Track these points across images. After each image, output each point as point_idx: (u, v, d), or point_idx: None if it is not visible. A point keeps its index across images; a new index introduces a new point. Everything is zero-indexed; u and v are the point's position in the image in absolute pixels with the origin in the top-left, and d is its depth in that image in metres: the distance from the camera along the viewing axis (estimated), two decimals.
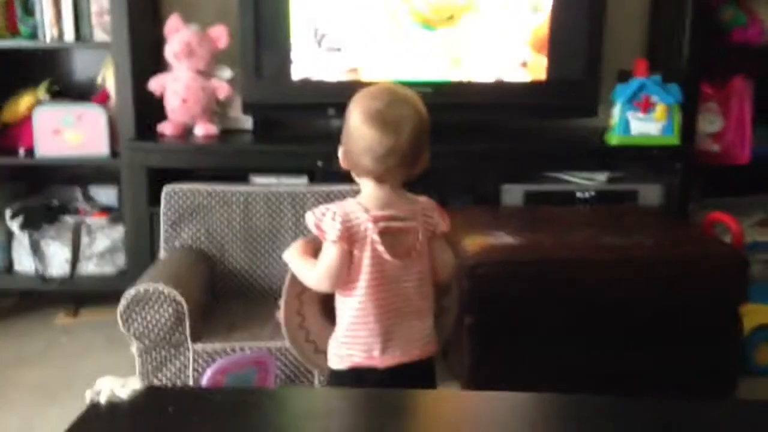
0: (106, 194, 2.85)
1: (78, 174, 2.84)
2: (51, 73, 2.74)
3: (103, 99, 2.63)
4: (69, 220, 2.67)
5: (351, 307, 1.42)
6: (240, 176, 2.43)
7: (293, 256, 1.48)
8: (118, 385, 1.06)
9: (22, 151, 2.59)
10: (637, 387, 1.95)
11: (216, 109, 2.62)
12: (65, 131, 2.55)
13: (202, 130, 2.55)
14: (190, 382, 1.84)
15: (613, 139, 2.49)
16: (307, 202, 2.14)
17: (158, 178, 2.35)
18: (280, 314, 1.52)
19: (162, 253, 2.15)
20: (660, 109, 2.43)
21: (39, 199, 2.76)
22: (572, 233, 2.10)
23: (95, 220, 2.67)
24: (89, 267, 2.63)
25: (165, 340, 1.83)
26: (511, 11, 2.52)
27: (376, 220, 1.39)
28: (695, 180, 2.60)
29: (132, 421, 1.05)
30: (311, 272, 1.43)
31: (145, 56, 2.56)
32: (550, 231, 2.10)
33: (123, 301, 1.80)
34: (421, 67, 2.53)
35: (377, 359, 1.42)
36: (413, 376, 1.44)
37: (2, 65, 2.67)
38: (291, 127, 2.80)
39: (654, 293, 1.95)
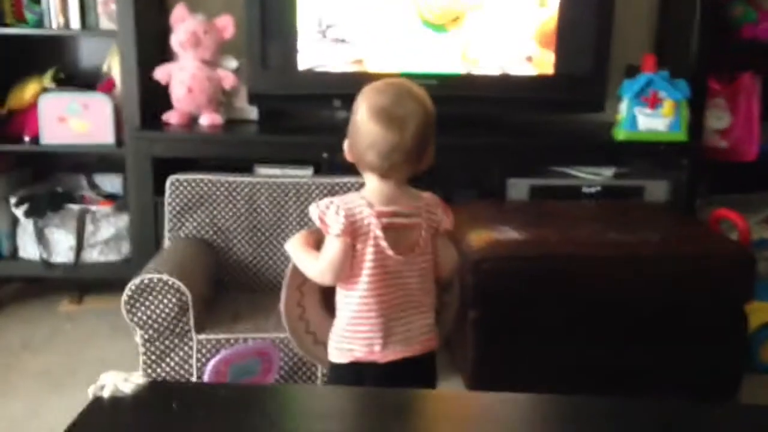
0: (111, 182, 2.85)
1: (83, 162, 2.84)
2: (57, 61, 2.74)
3: (108, 87, 2.63)
4: (74, 207, 2.67)
5: (353, 301, 1.42)
6: (245, 167, 2.43)
7: (295, 248, 1.48)
8: (121, 380, 1.06)
9: (27, 139, 2.59)
10: (641, 384, 1.95)
11: (221, 99, 2.61)
12: (71, 119, 2.55)
13: (207, 119, 2.55)
14: (194, 372, 1.85)
15: (620, 134, 2.48)
16: (311, 194, 2.14)
17: (163, 167, 2.35)
18: (281, 305, 1.52)
19: (166, 243, 2.15)
20: (667, 105, 2.42)
21: (44, 186, 2.76)
22: (578, 229, 2.09)
23: (100, 209, 2.67)
24: (94, 255, 2.64)
25: (169, 330, 1.83)
26: (517, 6, 2.50)
27: (379, 216, 1.39)
28: (702, 176, 2.59)
29: (135, 415, 1.06)
30: (313, 264, 1.43)
31: (151, 45, 2.56)
32: (556, 226, 2.10)
33: (127, 291, 1.80)
34: (426, 60, 2.52)
35: (378, 354, 1.42)
36: (414, 371, 1.44)
37: (8, 52, 2.67)
38: (296, 118, 2.80)
39: (659, 290, 1.94)
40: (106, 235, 2.64)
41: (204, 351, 1.85)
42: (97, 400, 1.06)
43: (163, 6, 2.67)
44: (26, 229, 2.64)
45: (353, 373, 1.43)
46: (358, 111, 1.39)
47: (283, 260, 2.07)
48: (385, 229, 1.39)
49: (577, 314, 1.93)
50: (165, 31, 2.55)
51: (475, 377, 1.93)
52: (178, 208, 2.13)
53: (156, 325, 1.82)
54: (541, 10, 2.51)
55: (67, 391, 2.12)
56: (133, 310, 1.81)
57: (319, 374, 1.87)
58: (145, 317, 1.81)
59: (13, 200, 2.65)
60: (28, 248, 2.65)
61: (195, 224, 2.14)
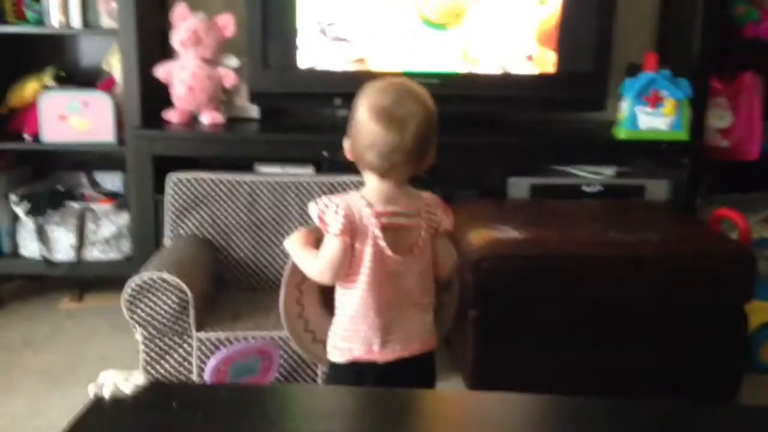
0: (111, 180, 2.85)
1: (84, 160, 2.85)
2: (57, 59, 2.74)
3: (108, 86, 2.63)
4: (74, 205, 2.68)
5: (352, 300, 1.42)
6: (245, 165, 2.43)
7: (294, 246, 1.48)
8: (122, 380, 1.06)
9: (28, 137, 2.59)
10: (641, 383, 1.95)
11: (222, 98, 2.61)
12: (71, 117, 2.55)
13: (208, 118, 2.54)
14: (194, 370, 1.85)
15: (621, 133, 2.47)
16: (312, 193, 2.14)
17: (164, 165, 2.35)
18: (279, 303, 1.52)
19: (167, 241, 2.15)
20: (669, 104, 2.41)
21: (45, 184, 2.76)
22: (578, 228, 2.09)
23: (101, 207, 2.68)
24: (94, 253, 2.64)
25: (169, 328, 1.83)
26: (517, 4, 2.50)
27: (378, 216, 1.39)
28: (703, 176, 2.59)
29: (135, 416, 1.06)
30: (312, 263, 1.43)
31: (152, 44, 2.56)
32: (556, 225, 2.10)
33: (128, 290, 1.80)
34: (428, 58, 2.52)
35: (377, 353, 1.42)
36: (413, 370, 1.44)
37: (9, 51, 2.67)
38: (297, 117, 2.80)
39: (659, 290, 1.94)
40: (107, 233, 2.64)
41: (204, 349, 1.85)
42: (97, 401, 1.06)
43: (163, 4, 2.67)
44: (27, 227, 2.64)
45: (352, 373, 1.43)
46: (358, 110, 1.39)
47: (283, 259, 2.07)
48: (384, 228, 1.39)
49: (577, 314, 1.93)
50: (166, 29, 2.55)
51: (476, 376, 1.93)
52: (178, 207, 2.13)
53: (156, 324, 1.82)
54: (541, 7, 2.50)
55: (68, 389, 2.12)
56: (134, 308, 1.81)
57: (319, 373, 1.87)
58: (145, 315, 1.81)
59: (13, 198, 2.65)
60: (29, 246, 2.65)
61: (195, 223, 2.14)
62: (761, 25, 2.59)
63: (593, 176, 2.50)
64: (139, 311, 1.81)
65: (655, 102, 2.42)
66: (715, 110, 2.62)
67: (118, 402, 1.05)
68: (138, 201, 2.47)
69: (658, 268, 1.94)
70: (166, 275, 1.80)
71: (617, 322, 1.96)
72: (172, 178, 2.13)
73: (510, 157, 2.49)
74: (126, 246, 2.65)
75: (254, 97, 2.57)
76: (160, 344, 1.85)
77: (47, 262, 2.63)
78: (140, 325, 1.82)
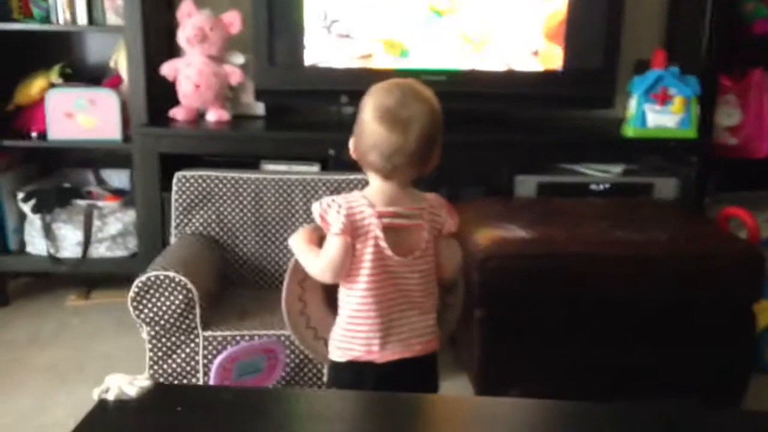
0: (118, 177, 2.86)
1: (90, 157, 2.85)
2: (64, 56, 2.74)
3: (115, 83, 2.63)
4: (81, 203, 2.68)
5: (353, 300, 1.42)
6: (251, 163, 2.43)
7: (298, 243, 1.48)
8: (126, 382, 1.06)
9: (34, 134, 2.59)
10: (647, 383, 1.94)
11: (228, 95, 2.61)
12: (78, 114, 2.55)
13: (214, 115, 2.54)
14: (200, 369, 1.85)
15: (630, 131, 2.46)
16: (318, 190, 2.14)
17: (170, 163, 2.35)
18: (282, 299, 1.52)
19: (173, 239, 2.15)
20: (677, 102, 2.40)
21: (51, 182, 2.77)
22: (585, 226, 2.08)
23: (107, 204, 2.68)
24: (101, 250, 2.65)
25: (175, 326, 1.83)
26: None
27: (380, 216, 1.39)
28: (712, 173, 2.57)
29: (140, 418, 1.06)
30: (314, 261, 1.43)
31: (158, 41, 2.55)
32: (563, 224, 2.08)
33: (134, 288, 1.80)
34: (434, 55, 2.50)
35: (376, 354, 1.42)
36: (414, 372, 1.44)
37: (15, 48, 2.67)
38: (303, 114, 2.79)
39: (667, 289, 1.93)
40: (113, 230, 2.65)
41: (210, 348, 1.85)
42: (102, 403, 1.06)
43: (170, 2, 2.66)
44: (34, 224, 2.65)
45: (351, 372, 1.43)
46: (364, 110, 1.39)
47: (289, 257, 2.06)
48: (386, 229, 1.39)
49: (583, 313, 1.92)
50: (172, 26, 2.55)
51: (482, 376, 1.93)
52: (184, 205, 2.13)
53: (162, 322, 1.82)
54: (548, 3, 2.49)
55: (74, 386, 2.13)
56: (140, 306, 1.81)
57: (325, 372, 1.87)
58: (151, 314, 1.81)
59: (20, 195, 2.66)
60: (36, 243, 2.66)
61: (201, 220, 2.14)
62: None
63: (601, 174, 2.49)
64: (145, 310, 1.81)
65: (664, 99, 2.40)
66: (724, 108, 2.60)
67: (123, 404, 1.06)
68: (144, 198, 2.47)
69: (666, 267, 1.93)
70: (172, 273, 1.80)
71: (624, 322, 1.95)
72: (178, 176, 2.13)
73: (517, 154, 2.48)
74: (132, 243, 2.65)
75: (260, 95, 2.57)
76: (167, 343, 1.85)
77: (54, 260, 2.63)
78: (147, 323, 1.82)
